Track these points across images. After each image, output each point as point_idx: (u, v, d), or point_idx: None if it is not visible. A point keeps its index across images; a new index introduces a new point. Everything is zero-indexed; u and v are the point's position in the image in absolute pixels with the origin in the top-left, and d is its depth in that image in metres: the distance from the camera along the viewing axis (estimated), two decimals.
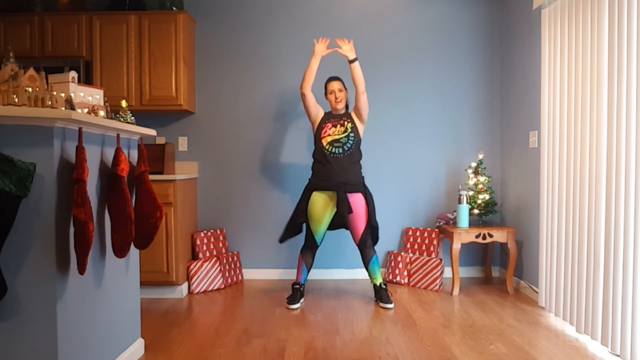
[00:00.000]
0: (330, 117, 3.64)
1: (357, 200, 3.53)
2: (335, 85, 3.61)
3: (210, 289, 4.00)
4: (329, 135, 3.55)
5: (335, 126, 3.57)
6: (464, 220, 3.85)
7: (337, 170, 3.51)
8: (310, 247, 3.63)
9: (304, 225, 3.66)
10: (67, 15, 4.03)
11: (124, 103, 2.56)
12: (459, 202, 3.88)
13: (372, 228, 3.61)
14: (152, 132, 2.59)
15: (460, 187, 4.09)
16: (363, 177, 3.66)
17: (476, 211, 4.03)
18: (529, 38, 3.81)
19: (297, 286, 3.62)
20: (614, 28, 2.59)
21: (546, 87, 3.37)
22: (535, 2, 3.48)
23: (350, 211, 3.48)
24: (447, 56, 4.38)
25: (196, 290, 3.94)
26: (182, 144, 4.39)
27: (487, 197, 4.02)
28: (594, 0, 2.77)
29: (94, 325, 2.14)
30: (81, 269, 1.89)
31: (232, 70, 4.38)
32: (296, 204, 3.69)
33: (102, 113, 2.27)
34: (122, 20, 4.01)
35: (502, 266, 4.34)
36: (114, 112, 2.44)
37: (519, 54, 3.99)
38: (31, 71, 1.95)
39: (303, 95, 3.58)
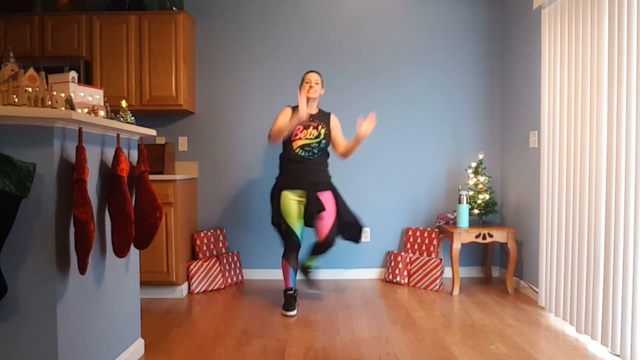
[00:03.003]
0: None
1: (326, 198, 3.48)
2: (312, 77, 3.48)
3: (210, 289, 4.00)
4: (300, 138, 3.43)
5: (307, 128, 3.44)
6: (464, 220, 3.85)
7: (307, 171, 3.45)
8: (293, 248, 3.45)
9: (283, 227, 3.48)
10: (67, 15, 4.03)
11: (124, 103, 2.56)
12: (459, 202, 3.88)
13: (350, 224, 3.52)
14: (152, 132, 2.59)
15: (460, 187, 4.09)
16: (330, 177, 3.60)
17: (476, 211, 4.03)
18: (529, 38, 3.81)
19: (290, 292, 3.45)
20: (614, 28, 2.59)
21: (546, 87, 3.37)
22: (535, 2, 3.48)
23: (322, 209, 3.41)
24: (447, 56, 4.38)
25: (196, 290, 3.94)
26: (182, 144, 4.39)
27: (487, 197, 4.02)
28: (594, 0, 2.78)
29: (94, 325, 2.14)
30: (82, 269, 1.89)
31: (232, 70, 4.38)
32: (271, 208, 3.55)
33: (102, 113, 2.27)
34: (122, 20, 4.01)
35: (502, 266, 4.34)
36: (114, 112, 2.44)
37: (519, 54, 3.99)
38: (31, 71, 1.95)
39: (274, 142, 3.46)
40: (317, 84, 3.49)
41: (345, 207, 3.55)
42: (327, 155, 3.59)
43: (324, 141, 3.48)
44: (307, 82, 3.49)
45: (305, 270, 3.61)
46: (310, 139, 3.45)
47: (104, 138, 2.24)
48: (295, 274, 3.53)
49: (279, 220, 3.48)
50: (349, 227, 3.55)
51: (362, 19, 4.37)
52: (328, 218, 3.47)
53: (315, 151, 3.47)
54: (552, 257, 3.27)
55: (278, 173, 3.58)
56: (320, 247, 3.51)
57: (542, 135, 3.42)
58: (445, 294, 3.86)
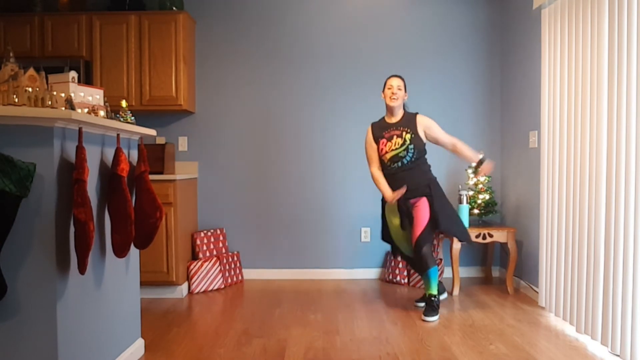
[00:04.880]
0: (383, 128, 3.41)
1: (420, 206, 3.33)
2: (394, 82, 3.38)
3: (210, 289, 4.00)
4: (387, 152, 3.35)
5: (390, 139, 3.35)
6: (464, 220, 3.84)
7: (398, 180, 3.34)
8: (408, 262, 3.57)
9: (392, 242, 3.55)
10: (67, 15, 4.03)
11: (124, 103, 2.56)
12: (459, 202, 3.88)
13: (454, 224, 3.40)
14: (152, 132, 2.59)
15: (460, 187, 4.09)
16: (429, 176, 3.42)
17: (476, 211, 4.03)
18: (529, 38, 3.81)
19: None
20: (614, 28, 2.59)
21: (546, 87, 3.37)
22: (535, 2, 3.48)
23: (411, 219, 3.32)
24: (447, 56, 4.38)
25: (196, 290, 3.94)
26: (182, 144, 4.39)
27: (487, 197, 4.02)
28: (594, 0, 2.78)
29: (94, 325, 2.14)
30: (82, 269, 1.89)
31: (232, 70, 4.38)
32: None
33: (102, 113, 2.27)
34: (122, 20, 4.01)
35: (502, 266, 4.34)
36: (114, 112, 2.44)
37: (519, 54, 3.99)
38: (31, 71, 1.95)
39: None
40: (399, 89, 3.36)
41: (440, 211, 3.32)
42: (423, 158, 3.42)
43: (411, 146, 3.31)
44: (389, 89, 3.38)
45: (428, 299, 3.33)
46: (396, 149, 3.33)
47: (104, 138, 2.24)
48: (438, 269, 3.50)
49: (386, 233, 3.54)
50: (453, 227, 3.41)
51: (361, 20, 4.37)
52: (416, 227, 3.30)
53: (406, 160, 3.33)
54: (552, 257, 3.27)
55: None
56: (415, 261, 3.36)
57: (542, 135, 3.41)
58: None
